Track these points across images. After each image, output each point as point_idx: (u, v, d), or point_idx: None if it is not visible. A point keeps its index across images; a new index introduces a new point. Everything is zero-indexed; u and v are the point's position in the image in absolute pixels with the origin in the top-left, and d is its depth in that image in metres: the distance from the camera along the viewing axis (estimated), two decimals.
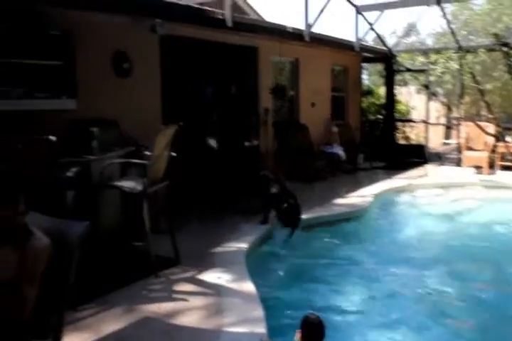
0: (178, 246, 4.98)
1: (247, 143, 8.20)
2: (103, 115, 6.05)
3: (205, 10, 7.40)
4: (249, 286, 4.32)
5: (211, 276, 4.60)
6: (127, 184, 4.66)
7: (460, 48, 11.93)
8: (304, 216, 6.59)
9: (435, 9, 10.56)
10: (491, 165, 10.41)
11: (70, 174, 4.06)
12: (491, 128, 11.16)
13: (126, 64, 6.47)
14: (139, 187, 4.48)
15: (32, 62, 5.62)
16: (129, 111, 6.45)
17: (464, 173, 10.56)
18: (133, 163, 4.97)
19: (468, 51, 12.16)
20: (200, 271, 4.73)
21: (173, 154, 4.82)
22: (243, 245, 5.42)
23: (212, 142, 6.90)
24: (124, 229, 5.20)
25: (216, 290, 4.32)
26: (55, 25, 5.54)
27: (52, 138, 3.83)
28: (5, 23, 5.00)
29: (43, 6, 5.16)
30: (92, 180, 4.51)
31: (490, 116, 12.29)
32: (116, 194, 4.95)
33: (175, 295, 4.30)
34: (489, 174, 10.16)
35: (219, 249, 5.37)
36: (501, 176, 10.01)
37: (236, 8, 8.11)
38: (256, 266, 5.03)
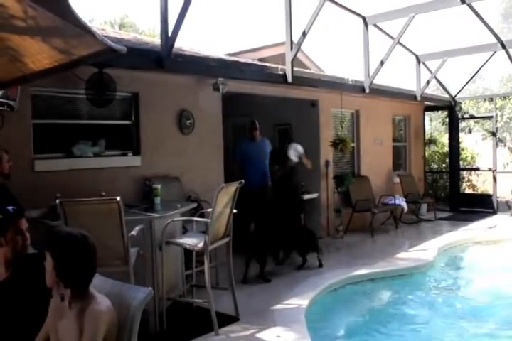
0: (237, 302, 4.97)
1: (307, 196, 8.22)
2: (166, 171, 6.31)
3: (266, 67, 7.65)
4: None
5: (270, 335, 4.53)
6: (189, 241, 4.74)
7: None
8: (366, 270, 6.55)
9: (500, 54, 10.39)
10: None
11: (133, 232, 4.18)
12: None
13: (190, 121, 6.71)
14: (200, 244, 4.55)
15: (106, 123, 6.03)
16: (191, 167, 6.67)
17: None
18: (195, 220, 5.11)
19: None
20: (260, 329, 4.67)
21: (235, 211, 4.89)
22: (303, 302, 5.35)
23: None
24: (185, 285, 5.28)
25: None
26: (125, 87, 5.89)
27: (118, 198, 3.99)
28: (87, 90, 5.38)
29: (113, 69, 5.50)
30: (154, 237, 4.62)
31: None
32: (178, 250, 5.05)
33: None
34: None
35: (279, 306, 5.31)
36: None
37: (297, 62, 8.31)
38: (315, 323, 4.94)
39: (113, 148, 6.06)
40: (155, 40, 8.04)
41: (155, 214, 4.70)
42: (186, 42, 8.64)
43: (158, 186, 5.12)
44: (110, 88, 5.49)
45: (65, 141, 5.63)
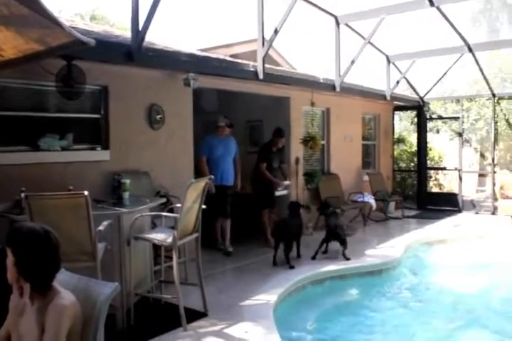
0: (206, 298, 4.96)
1: (277, 193, 8.25)
2: (135, 166, 6.25)
3: (238, 63, 7.63)
4: None
5: (239, 330, 4.54)
6: (157, 236, 4.70)
7: (494, 95, 11.87)
8: (335, 267, 6.61)
9: (468, 56, 10.60)
10: None
11: (100, 227, 4.12)
12: None
13: (160, 116, 6.64)
14: (169, 240, 4.52)
15: (74, 116, 5.92)
16: (160, 162, 6.61)
17: (499, 222, 10.36)
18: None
19: (501, 98, 12.15)
20: (228, 325, 4.67)
21: (204, 207, 4.87)
22: (271, 297, 5.36)
23: None
24: (153, 280, 5.23)
25: None
26: (94, 80, 5.79)
27: (86, 192, 3.93)
28: (56, 82, 5.27)
29: (82, 62, 5.39)
30: (123, 232, 4.56)
31: None
32: (146, 246, 5.01)
33: None
34: None
35: (247, 302, 5.31)
36: None
37: (269, 59, 8.31)
38: (283, 318, 4.96)
39: (81, 142, 5.95)
40: (126, 33, 7.93)
41: (123, 209, 4.65)
42: (157, 37, 8.55)
43: (127, 181, 5.06)
44: (79, 80, 5.39)
45: (32, 134, 5.49)
